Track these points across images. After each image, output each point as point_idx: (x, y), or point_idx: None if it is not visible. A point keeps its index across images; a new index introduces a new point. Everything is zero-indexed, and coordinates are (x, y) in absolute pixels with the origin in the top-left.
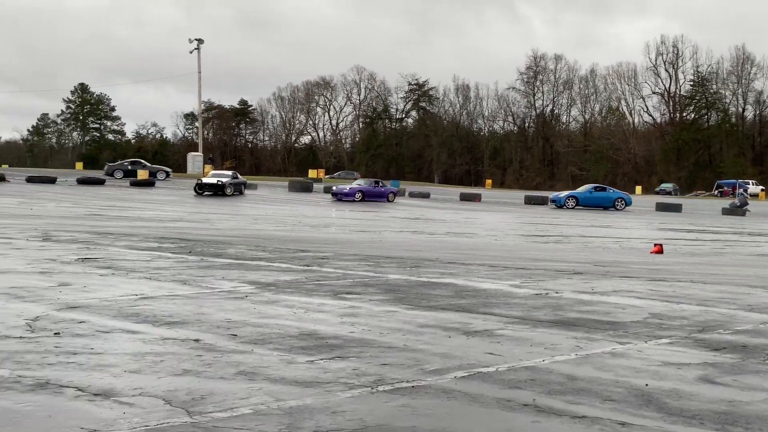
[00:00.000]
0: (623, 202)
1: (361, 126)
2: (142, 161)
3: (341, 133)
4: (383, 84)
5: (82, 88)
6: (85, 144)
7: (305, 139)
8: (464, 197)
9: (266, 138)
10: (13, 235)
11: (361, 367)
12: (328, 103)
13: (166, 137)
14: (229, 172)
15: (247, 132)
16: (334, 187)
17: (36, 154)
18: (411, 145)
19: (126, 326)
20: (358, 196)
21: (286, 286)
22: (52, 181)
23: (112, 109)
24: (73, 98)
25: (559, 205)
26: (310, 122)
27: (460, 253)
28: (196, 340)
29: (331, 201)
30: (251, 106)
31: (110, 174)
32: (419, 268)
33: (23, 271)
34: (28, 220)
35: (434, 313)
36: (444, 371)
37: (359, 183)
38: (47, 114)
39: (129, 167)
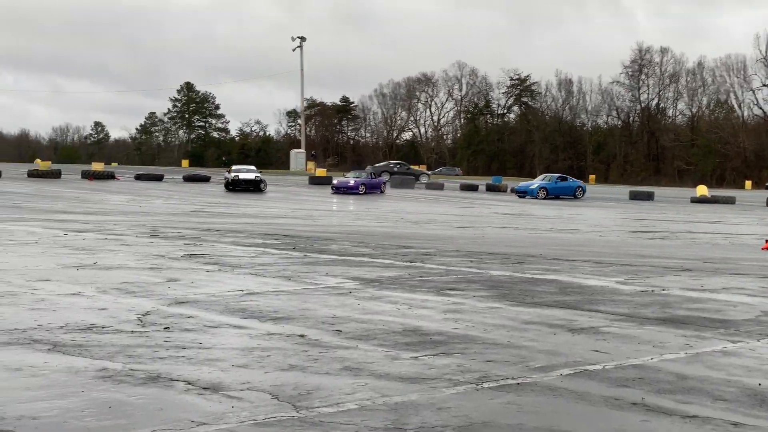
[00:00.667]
0: (581, 190)
1: (462, 122)
2: (402, 163)
3: (442, 129)
4: (484, 79)
5: (188, 87)
6: (191, 142)
7: (406, 135)
8: None
9: (368, 134)
10: (123, 231)
11: (465, 363)
12: (429, 99)
13: (269, 134)
14: (253, 167)
15: (349, 128)
16: (335, 180)
17: (144, 152)
18: (513, 141)
19: (233, 321)
20: (362, 188)
21: (390, 282)
22: (159, 178)
23: (217, 107)
24: (179, 97)
25: (532, 195)
26: (412, 118)
27: (563, 249)
28: (302, 336)
29: (330, 194)
30: (353, 102)
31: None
32: (522, 264)
33: (134, 267)
34: (137, 216)
35: (538, 310)
36: (549, 368)
37: (356, 175)
38: (154, 113)
39: (395, 169)
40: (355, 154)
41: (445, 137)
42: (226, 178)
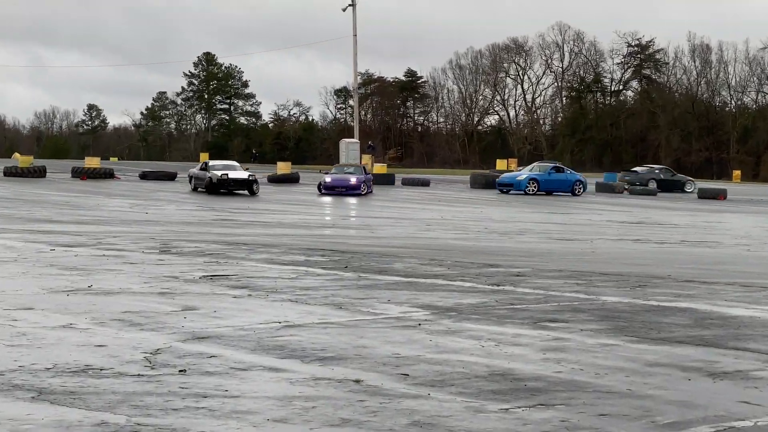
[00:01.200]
0: (581, 185)
1: (564, 102)
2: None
3: (538, 112)
4: (593, 46)
5: (207, 60)
6: (212, 130)
7: (491, 120)
8: (703, 194)
9: (441, 119)
10: (125, 246)
11: (571, 418)
12: (521, 73)
13: (313, 119)
14: (237, 164)
15: (416, 111)
16: (326, 177)
17: (151, 144)
18: (631, 126)
19: (267, 362)
20: (364, 188)
21: (471, 312)
22: (171, 177)
23: (244, 84)
24: (195, 72)
25: (520, 189)
26: (498, 98)
27: (699, 268)
28: (357, 381)
29: (318, 195)
30: (421, 78)
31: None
32: (645, 287)
33: (139, 292)
34: (143, 226)
35: (667, 348)
36: (683, 425)
37: (350, 170)
38: (164, 93)
39: (661, 176)
40: (424, 144)
41: (541, 122)
42: (204, 177)
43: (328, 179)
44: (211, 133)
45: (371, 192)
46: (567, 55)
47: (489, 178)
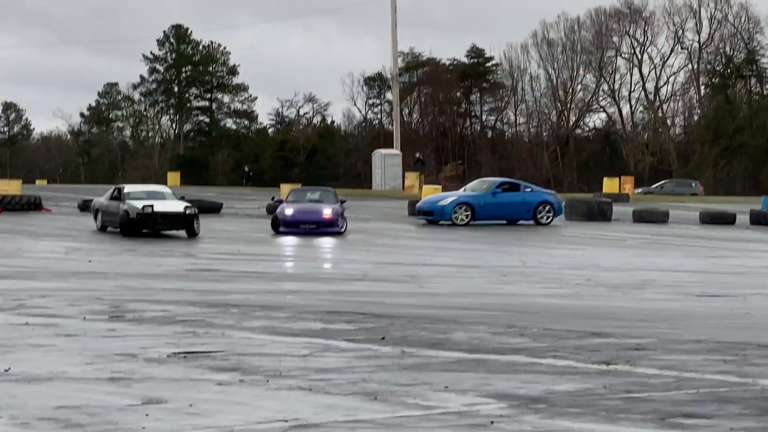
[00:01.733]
0: (550, 210)
1: (702, 93)
2: None
3: (664, 107)
4: (744, 11)
5: (178, 35)
6: (185, 137)
7: (596, 120)
8: None
9: (521, 119)
10: (59, 310)
11: None
12: (638, 51)
13: (333, 121)
14: (168, 189)
15: (485, 109)
16: (287, 209)
17: (96, 160)
18: None
19: None
20: (342, 224)
21: (568, 403)
22: None
23: (232, 71)
24: (160, 54)
25: (445, 218)
26: (605, 87)
27: None
28: None
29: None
30: (491, 59)
31: None
32: None
33: (80, 377)
34: (84, 280)
35: None
36: None
37: (319, 197)
38: (115, 85)
39: None
40: (497, 157)
41: (669, 123)
42: (117, 212)
43: (288, 211)
44: (185, 144)
45: (346, 228)
46: (706, 23)
47: (594, 205)
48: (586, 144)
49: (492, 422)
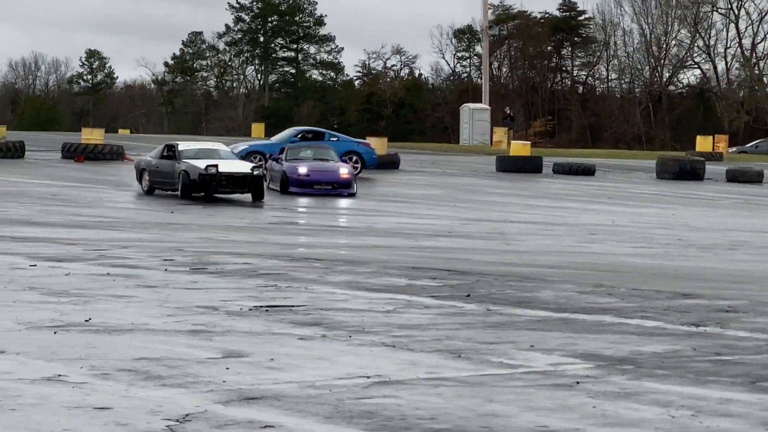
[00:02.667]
0: (357, 160)
1: None
2: None
3: (760, 65)
4: None
5: None
6: (270, 88)
7: (690, 77)
8: None
9: (613, 75)
10: (140, 261)
11: None
12: (735, 5)
13: (421, 75)
14: (225, 147)
15: (577, 64)
16: (301, 168)
17: (180, 110)
18: None
19: None
20: (355, 185)
21: (655, 365)
22: None
23: (319, 22)
24: (247, 2)
25: None
26: (700, 43)
27: None
28: None
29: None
30: (584, 13)
31: None
32: None
33: (160, 329)
34: (166, 232)
35: None
36: None
37: (324, 155)
38: (199, 34)
39: None
40: (588, 113)
41: (764, 80)
42: (172, 171)
43: (302, 170)
44: (270, 95)
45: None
46: None
47: (686, 164)
48: (679, 101)
49: (578, 382)
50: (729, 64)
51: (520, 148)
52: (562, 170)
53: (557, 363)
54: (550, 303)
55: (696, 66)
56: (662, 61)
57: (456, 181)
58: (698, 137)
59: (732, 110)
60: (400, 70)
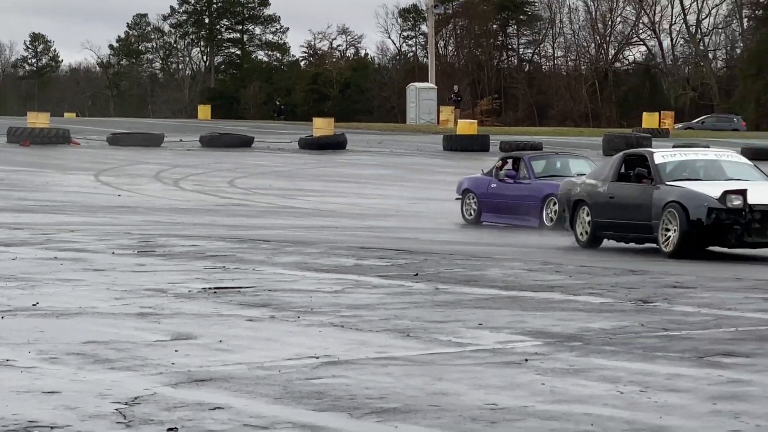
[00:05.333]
0: None
1: (746, 24)
2: None
3: (706, 40)
4: None
5: None
6: (216, 70)
7: (635, 54)
8: None
9: (559, 53)
10: (88, 244)
11: None
12: None
13: (367, 54)
14: None
15: (522, 42)
16: None
17: (125, 93)
18: None
19: (299, 417)
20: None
21: (604, 341)
22: (155, 142)
23: (263, 2)
24: None
25: None
26: (645, 20)
27: None
28: None
29: None
30: None
31: None
32: None
33: (108, 312)
34: (113, 215)
35: None
36: None
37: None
38: (144, 16)
39: None
40: (534, 91)
41: (711, 56)
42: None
43: None
44: (216, 76)
45: None
46: None
47: (633, 140)
48: (625, 78)
49: (526, 360)
50: (674, 40)
51: (466, 126)
52: (509, 148)
53: (506, 341)
54: (498, 281)
55: (641, 43)
56: (608, 38)
57: (403, 160)
58: (644, 114)
59: (678, 87)
60: (346, 50)
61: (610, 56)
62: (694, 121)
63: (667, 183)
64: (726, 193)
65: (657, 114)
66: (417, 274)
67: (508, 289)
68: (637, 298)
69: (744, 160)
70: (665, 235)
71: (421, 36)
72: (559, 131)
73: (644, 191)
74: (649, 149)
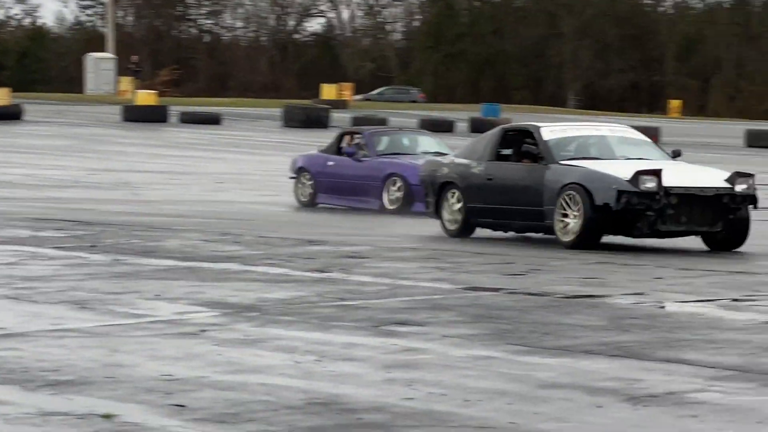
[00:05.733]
0: None
1: None
2: None
3: (383, 14)
4: None
5: None
6: None
7: (314, 26)
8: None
9: (238, 24)
10: None
11: None
12: None
13: (44, 24)
14: None
15: (202, 12)
16: None
17: None
18: (521, 36)
19: None
20: None
21: (281, 311)
22: None
23: None
24: None
25: None
26: None
27: None
28: (107, 416)
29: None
30: None
31: None
32: (539, 272)
33: None
34: None
35: (569, 361)
36: None
37: None
38: None
39: None
40: (215, 62)
41: (388, 28)
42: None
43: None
44: None
45: None
46: None
47: (312, 111)
48: (305, 50)
49: (203, 331)
50: (353, 14)
51: (146, 97)
52: (189, 119)
53: (183, 312)
54: (176, 252)
55: (321, 14)
56: (287, 10)
57: (82, 131)
58: (323, 85)
59: (357, 58)
60: (22, 19)
61: (290, 28)
62: (374, 92)
63: (560, 162)
64: (638, 173)
65: (336, 85)
66: (94, 246)
67: (186, 260)
68: (315, 268)
69: (641, 136)
70: (563, 222)
71: (99, 6)
72: (238, 102)
73: (532, 172)
74: (534, 123)
